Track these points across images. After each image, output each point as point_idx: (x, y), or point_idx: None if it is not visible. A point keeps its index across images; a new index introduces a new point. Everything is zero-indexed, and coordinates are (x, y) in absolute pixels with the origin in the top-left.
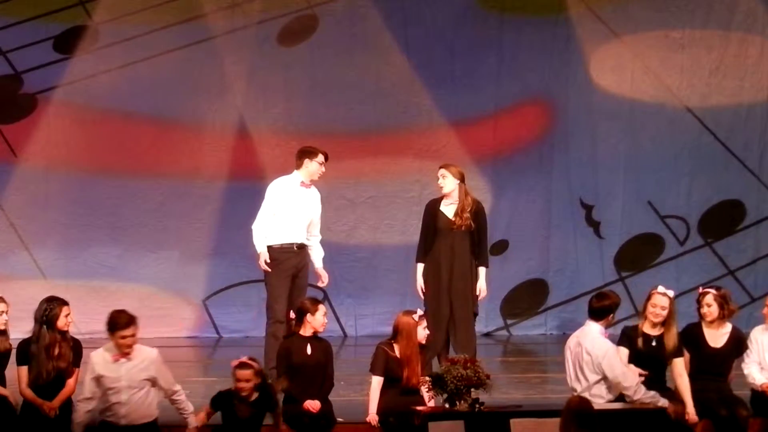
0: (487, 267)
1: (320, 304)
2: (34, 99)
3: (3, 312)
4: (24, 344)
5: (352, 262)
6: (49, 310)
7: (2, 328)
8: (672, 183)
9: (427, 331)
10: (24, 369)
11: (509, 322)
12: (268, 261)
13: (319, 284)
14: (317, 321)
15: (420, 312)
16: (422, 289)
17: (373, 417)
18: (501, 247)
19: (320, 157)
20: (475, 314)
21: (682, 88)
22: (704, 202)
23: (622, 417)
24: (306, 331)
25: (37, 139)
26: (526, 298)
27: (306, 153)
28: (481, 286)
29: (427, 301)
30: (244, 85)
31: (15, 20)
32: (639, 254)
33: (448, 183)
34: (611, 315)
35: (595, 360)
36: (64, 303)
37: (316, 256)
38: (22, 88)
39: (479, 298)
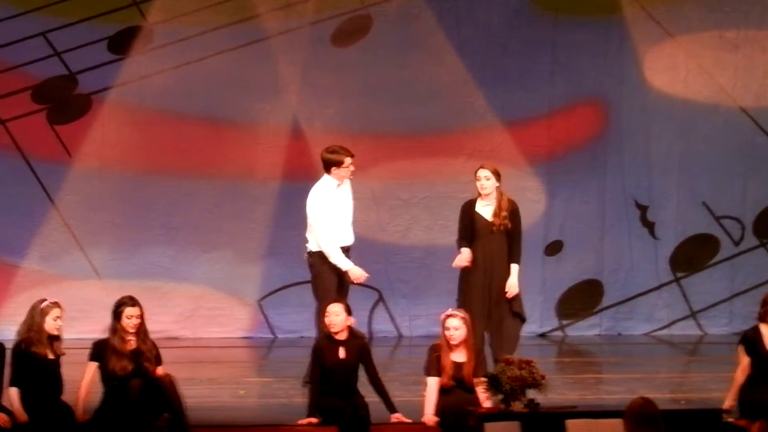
0: (519, 264)
1: (331, 304)
2: (88, 99)
3: (58, 317)
4: (99, 341)
5: (407, 262)
6: (116, 308)
7: (56, 333)
8: (726, 183)
9: (458, 331)
10: (92, 365)
11: (564, 322)
12: (366, 275)
13: None
14: (330, 323)
15: (450, 311)
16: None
17: (429, 418)
18: (556, 247)
19: (347, 161)
20: (523, 319)
21: (736, 89)
22: (759, 202)
23: (684, 417)
24: (339, 334)
25: (92, 139)
26: (580, 299)
27: (332, 162)
28: (512, 283)
29: (463, 302)
30: (297, 86)
31: (70, 21)
32: (694, 255)
33: (491, 184)
34: None
35: None
36: (134, 304)
37: None
38: (77, 89)
39: (508, 296)
